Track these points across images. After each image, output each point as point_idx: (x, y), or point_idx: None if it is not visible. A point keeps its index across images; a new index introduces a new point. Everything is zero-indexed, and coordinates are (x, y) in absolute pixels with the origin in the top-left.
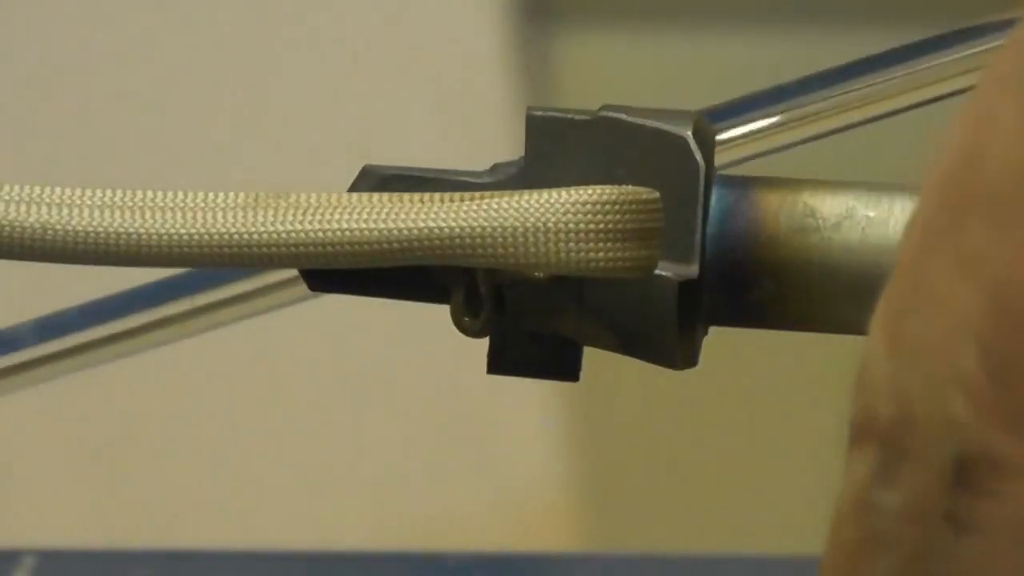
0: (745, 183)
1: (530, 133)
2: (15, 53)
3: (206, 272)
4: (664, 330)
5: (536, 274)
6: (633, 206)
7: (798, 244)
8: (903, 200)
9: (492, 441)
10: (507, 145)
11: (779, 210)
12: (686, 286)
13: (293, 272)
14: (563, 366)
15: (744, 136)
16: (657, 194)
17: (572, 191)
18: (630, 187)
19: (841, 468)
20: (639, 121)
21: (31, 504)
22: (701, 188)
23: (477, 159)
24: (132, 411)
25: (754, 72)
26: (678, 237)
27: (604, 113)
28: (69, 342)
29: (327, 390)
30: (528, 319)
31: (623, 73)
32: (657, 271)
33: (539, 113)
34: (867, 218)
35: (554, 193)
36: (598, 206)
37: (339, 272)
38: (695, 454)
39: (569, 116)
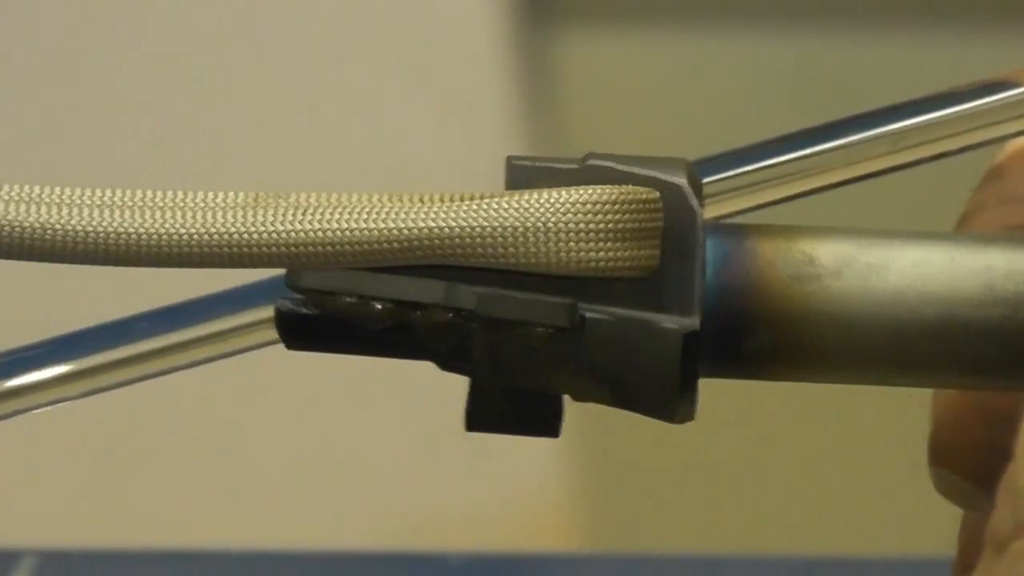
0: (739, 231)
1: (511, 182)
2: (15, 53)
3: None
4: (665, 384)
5: (538, 330)
6: (633, 206)
7: (797, 293)
8: (902, 247)
9: (492, 441)
10: (507, 145)
11: (776, 258)
12: (688, 338)
13: None
14: (544, 422)
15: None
16: (657, 194)
17: (572, 191)
18: (630, 187)
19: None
20: (631, 169)
21: (31, 504)
22: (699, 237)
23: (477, 159)
24: (132, 411)
25: (754, 73)
26: (676, 288)
27: (592, 162)
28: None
29: (327, 389)
30: (522, 376)
31: (623, 73)
32: (659, 323)
33: (522, 162)
34: (868, 266)
35: (554, 193)
36: (598, 206)
37: (319, 330)
38: (696, 454)
39: (554, 165)
